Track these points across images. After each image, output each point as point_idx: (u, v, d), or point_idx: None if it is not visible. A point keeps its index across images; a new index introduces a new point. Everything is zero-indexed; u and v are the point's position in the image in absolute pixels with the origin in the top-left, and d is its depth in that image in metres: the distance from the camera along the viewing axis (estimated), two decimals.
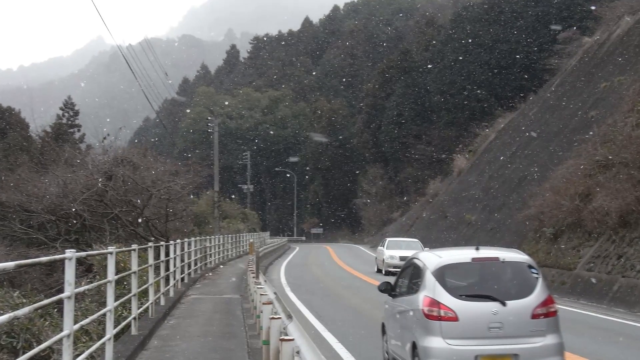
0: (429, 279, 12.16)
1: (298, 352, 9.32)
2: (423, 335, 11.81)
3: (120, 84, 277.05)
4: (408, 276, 13.73)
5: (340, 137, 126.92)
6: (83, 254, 13.38)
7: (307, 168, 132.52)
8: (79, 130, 79.01)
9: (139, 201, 31.96)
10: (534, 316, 11.73)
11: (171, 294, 23.79)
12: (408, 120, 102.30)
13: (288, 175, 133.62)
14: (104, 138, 34.97)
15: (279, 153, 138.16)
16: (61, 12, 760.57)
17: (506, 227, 42.65)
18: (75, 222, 30.17)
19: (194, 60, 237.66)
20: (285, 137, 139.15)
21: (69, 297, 9.47)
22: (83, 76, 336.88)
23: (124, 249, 17.62)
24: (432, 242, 56.30)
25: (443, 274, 12.20)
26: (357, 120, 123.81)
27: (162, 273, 21.72)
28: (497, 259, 12.54)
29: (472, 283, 12.66)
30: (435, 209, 66.53)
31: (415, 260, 13.43)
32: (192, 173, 36.93)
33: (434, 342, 11.67)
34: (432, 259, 12.83)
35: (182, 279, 28.60)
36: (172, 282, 24.26)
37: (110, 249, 13.32)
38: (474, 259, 12.43)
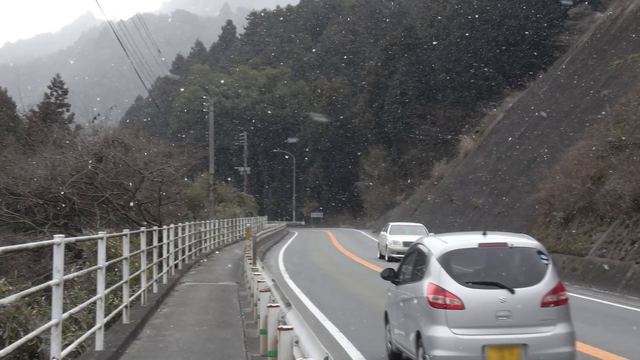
0: (434, 265, 12.08)
1: (297, 342, 9.34)
2: (428, 324, 11.75)
3: (110, 62, 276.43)
4: (412, 262, 13.64)
5: (341, 116, 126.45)
6: (72, 239, 13.42)
7: (307, 149, 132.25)
8: (67, 110, 78.87)
9: (130, 184, 31.82)
10: (544, 304, 11.66)
11: (164, 281, 23.77)
12: (412, 100, 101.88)
13: (287, 157, 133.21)
14: (94, 118, 34.87)
15: (277, 134, 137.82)
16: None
17: (514, 211, 42.55)
18: (64, 205, 30.01)
19: (188, 36, 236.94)
20: (283, 117, 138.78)
21: (57, 285, 9.50)
22: (72, 53, 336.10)
23: (114, 234, 17.57)
24: (437, 226, 56.10)
25: (449, 260, 12.12)
26: (359, 100, 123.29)
27: (155, 259, 21.66)
28: (505, 244, 12.46)
29: (479, 270, 12.57)
30: (441, 192, 66.37)
31: (420, 246, 13.34)
32: (187, 155, 36.76)
33: (439, 332, 11.61)
34: (437, 244, 12.74)
35: (176, 265, 28.58)
36: (165, 268, 24.20)
37: (101, 234, 13.29)
38: (481, 245, 12.34)
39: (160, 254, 23.27)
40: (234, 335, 15.63)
